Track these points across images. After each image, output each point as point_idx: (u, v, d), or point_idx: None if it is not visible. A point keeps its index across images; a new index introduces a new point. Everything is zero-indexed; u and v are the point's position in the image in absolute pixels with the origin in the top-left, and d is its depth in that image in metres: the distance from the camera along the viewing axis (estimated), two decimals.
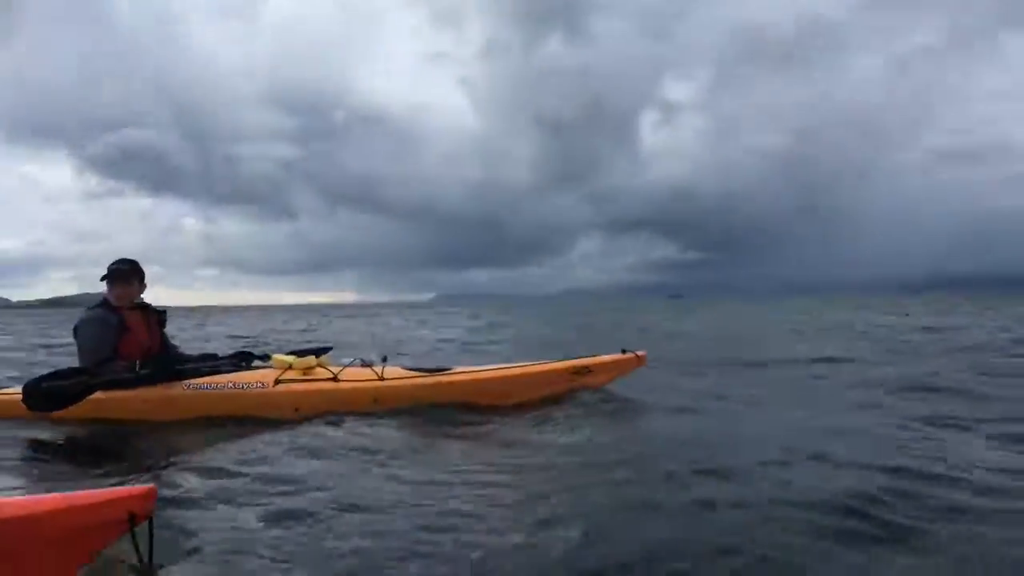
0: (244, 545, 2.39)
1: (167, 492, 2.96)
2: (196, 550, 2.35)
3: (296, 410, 4.67)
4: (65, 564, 1.40)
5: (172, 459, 3.81)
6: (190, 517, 2.70)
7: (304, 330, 20.39)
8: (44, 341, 15.97)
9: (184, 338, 16.91)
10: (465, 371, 5.09)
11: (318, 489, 3.03)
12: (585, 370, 5.13)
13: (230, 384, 4.76)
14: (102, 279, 4.78)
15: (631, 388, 5.55)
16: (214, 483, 3.22)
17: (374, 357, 5.19)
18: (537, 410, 4.74)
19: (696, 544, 2.25)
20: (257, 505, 2.86)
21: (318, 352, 5.54)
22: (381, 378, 4.85)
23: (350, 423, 4.47)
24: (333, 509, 2.75)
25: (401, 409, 4.69)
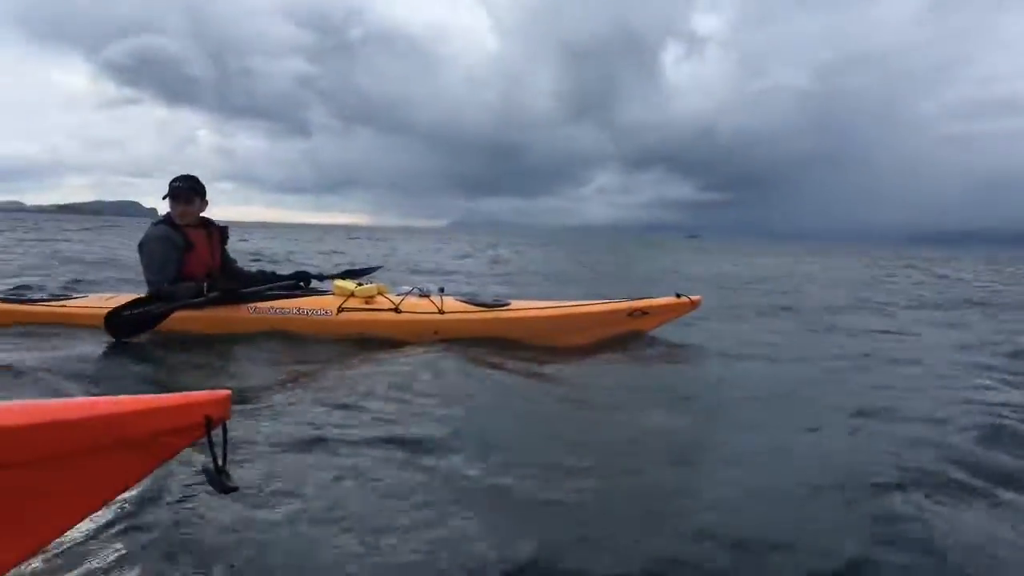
0: (311, 458, 2.49)
1: (238, 402, 3.07)
2: (267, 457, 2.44)
3: (360, 335, 4.78)
4: (141, 464, 1.46)
5: (242, 371, 3.95)
6: (261, 426, 2.81)
7: (333, 251, 20.51)
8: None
9: None
10: (523, 307, 5.17)
11: (380, 417, 3.10)
12: (641, 312, 5.19)
13: (295, 309, 4.86)
14: (164, 197, 4.83)
15: (679, 332, 5.63)
16: (282, 397, 3.34)
17: (431, 287, 5.27)
18: (594, 351, 4.84)
19: (749, 510, 2.24)
20: (322, 420, 2.96)
21: (368, 271, 5.64)
22: (441, 311, 4.94)
23: (410, 354, 4.58)
24: (393, 434, 2.81)
25: (460, 342, 4.79)
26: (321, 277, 5.29)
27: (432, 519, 2.06)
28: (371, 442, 2.73)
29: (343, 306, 4.88)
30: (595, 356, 4.71)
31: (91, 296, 5.35)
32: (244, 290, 4.92)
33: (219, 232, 5.10)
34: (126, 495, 1.99)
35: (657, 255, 31.14)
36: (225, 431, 1.42)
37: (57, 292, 6.04)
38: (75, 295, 5.47)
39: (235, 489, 1.46)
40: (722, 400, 3.79)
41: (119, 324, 4.50)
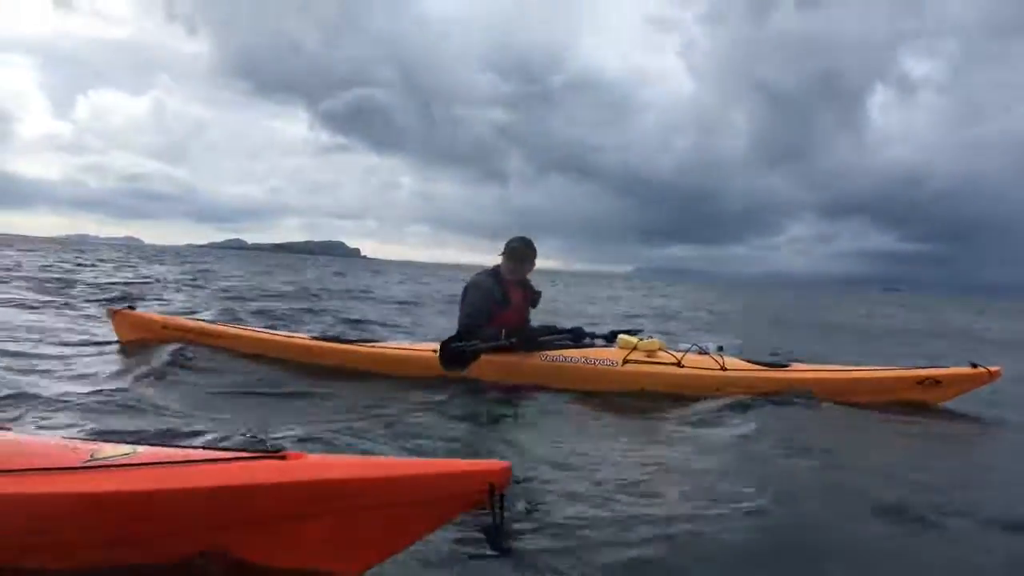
0: (585, 525, 2.45)
1: (518, 463, 3.06)
2: (540, 526, 2.43)
3: (641, 390, 4.90)
4: (436, 519, 1.70)
5: (526, 428, 4.06)
6: (537, 490, 2.81)
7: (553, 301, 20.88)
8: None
9: (413, 291, 18.01)
10: (806, 368, 5.07)
11: (664, 480, 3.01)
12: (932, 382, 4.90)
13: (583, 359, 5.07)
14: (500, 254, 5.30)
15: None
16: (563, 456, 3.34)
17: (709, 345, 5.30)
18: (886, 416, 4.63)
19: None
20: (602, 485, 2.91)
21: (631, 333, 5.78)
22: (723, 368, 4.95)
23: (694, 408, 4.60)
24: (677, 499, 2.72)
25: (741, 403, 4.75)
26: (593, 335, 5.49)
27: None
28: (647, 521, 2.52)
29: (628, 358, 5.02)
30: (884, 421, 4.48)
31: (391, 341, 5.88)
32: (540, 339, 5.23)
33: (532, 294, 5.48)
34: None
35: (870, 309, 29.12)
36: (503, 497, 1.61)
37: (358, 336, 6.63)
38: (379, 339, 5.99)
39: (509, 551, 1.69)
40: None
41: (448, 357, 5.07)
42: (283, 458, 1.74)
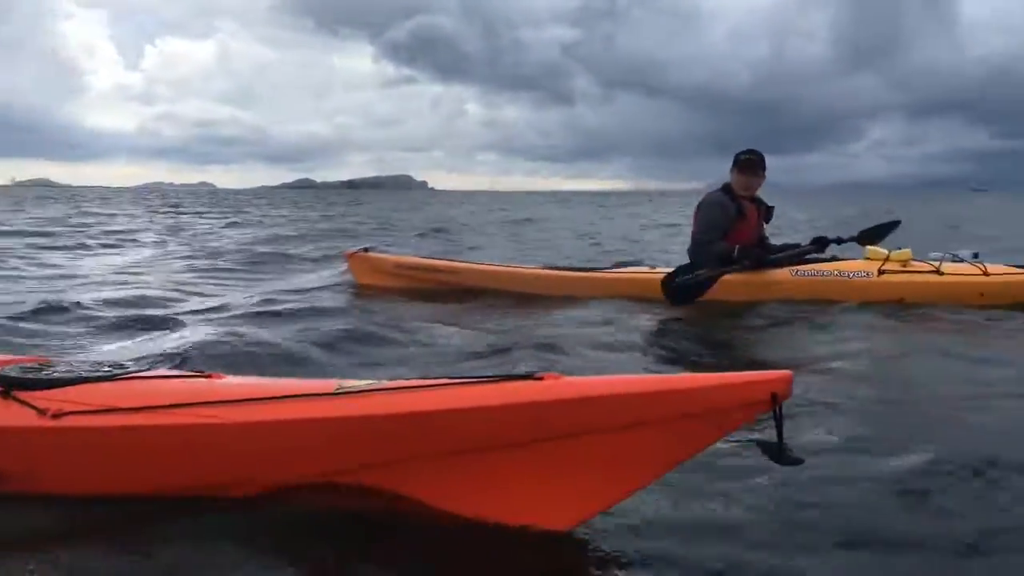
0: (865, 445, 2.28)
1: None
2: (821, 441, 2.32)
3: (900, 300, 4.74)
4: (710, 434, 1.60)
5: (780, 343, 3.97)
6: (812, 405, 2.67)
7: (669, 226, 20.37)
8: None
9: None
10: None
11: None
12: None
13: (835, 272, 4.94)
14: (731, 169, 5.09)
15: None
16: (827, 371, 3.22)
17: (964, 252, 5.10)
18: None
19: None
20: (878, 401, 2.80)
21: (888, 228, 5.44)
22: (986, 273, 4.75)
23: (960, 318, 4.42)
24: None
25: (1009, 307, 4.56)
26: (838, 240, 5.27)
27: None
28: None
29: (883, 268, 4.87)
30: None
31: (631, 267, 5.85)
32: (771, 256, 5.06)
33: (766, 210, 5.27)
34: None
35: (973, 211, 27.48)
36: (781, 408, 1.48)
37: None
38: (612, 267, 5.96)
39: (800, 461, 1.55)
40: None
41: (672, 291, 4.97)
42: (538, 379, 1.64)
